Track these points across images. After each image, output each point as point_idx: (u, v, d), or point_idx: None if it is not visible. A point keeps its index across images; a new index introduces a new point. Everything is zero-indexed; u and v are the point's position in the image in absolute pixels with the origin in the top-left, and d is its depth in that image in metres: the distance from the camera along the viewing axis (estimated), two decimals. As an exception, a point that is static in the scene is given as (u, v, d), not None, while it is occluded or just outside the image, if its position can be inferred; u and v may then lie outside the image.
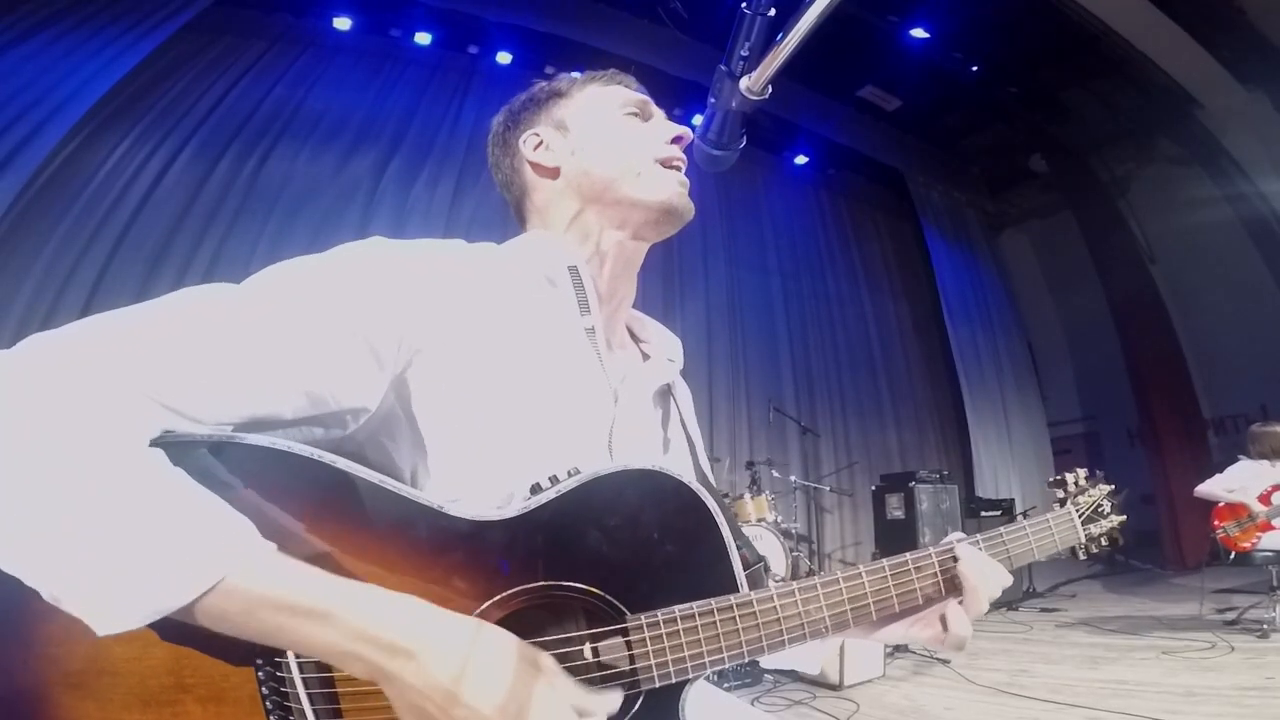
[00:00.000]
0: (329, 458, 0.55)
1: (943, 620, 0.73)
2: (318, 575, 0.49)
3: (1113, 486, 0.93)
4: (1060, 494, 0.92)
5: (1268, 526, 3.80)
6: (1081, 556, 0.90)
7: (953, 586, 0.74)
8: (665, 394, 0.89)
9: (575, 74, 0.88)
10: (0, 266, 4.00)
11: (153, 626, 0.46)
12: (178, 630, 0.48)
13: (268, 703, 0.52)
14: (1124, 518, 0.92)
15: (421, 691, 0.47)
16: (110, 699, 0.50)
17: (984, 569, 0.74)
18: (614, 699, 0.55)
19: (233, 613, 0.46)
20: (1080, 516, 0.89)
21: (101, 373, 0.49)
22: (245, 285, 0.59)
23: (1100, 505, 0.91)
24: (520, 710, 0.48)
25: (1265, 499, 3.88)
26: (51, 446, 0.45)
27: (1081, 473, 0.94)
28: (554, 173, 0.82)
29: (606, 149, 0.80)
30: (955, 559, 0.74)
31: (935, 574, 0.74)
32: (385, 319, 0.61)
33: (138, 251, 4.52)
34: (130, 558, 0.45)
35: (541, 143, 0.83)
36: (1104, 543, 0.91)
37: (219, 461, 0.52)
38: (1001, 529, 0.81)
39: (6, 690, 0.51)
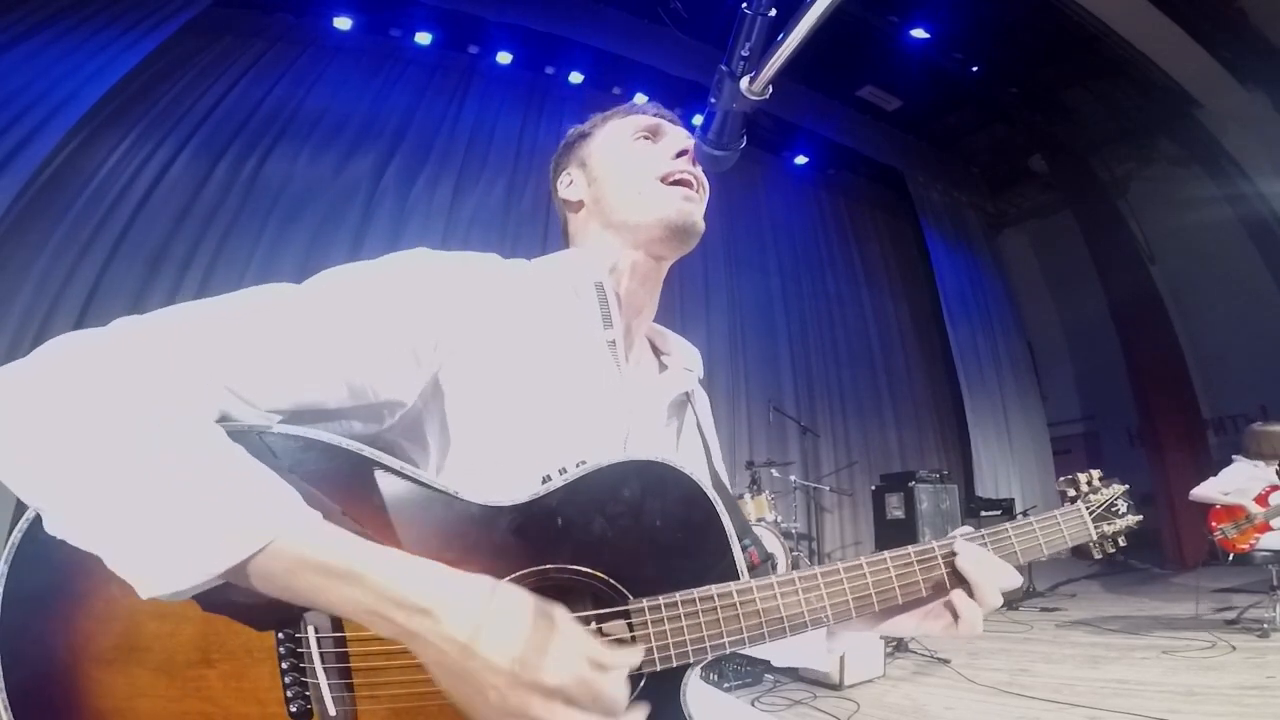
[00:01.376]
0: (354, 445, 0.60)
1: (951, 610, 0.73)
2: (353, 540, 0.52)
3: (1128, 487, 0.92)
4: (1071, 492, 0.91)
5: (1266, 527, 3.79)
6: (1096, 555, 0.89)
7: (958, 580, 0.74)
8: (683, 403, 0.92)
9: (602, 114, 0.96)
10: (0, 266, 4.00)
11: (193, 597, 0.50)
12: (211, 600, 0.51)
13: (286, 678, 0.55)
14: (1140, 517, 0.91)
15: (440, 648, 0.49)
16: (138, 674, 0.54)
17: (984, 561, 0.74)
18: (634, 654, 0.55)
19: (278, 573, 0.49)
20: (1091, 514, 0.88)
21: (174, 353, 0.55)
22: (305, 285, 0.66)
23: (1114, 504, 0.90)
24: (536, 661, 0.49)
25: (1262, 500, 3.87)
26: (123, 415, 0.50)
27: (1095, 473, 0.93)
28: (579, 205, 0.90)
29: (614, 175, 0.87)
30: (954, 554, 0.74)
31: (939, 567, 0.74)
32: (425, 322, 0.67)
33: (138, 252, 4.52)
34: (192, 516, 0.48)
35: (571, 181, 0.92)
36: (1121, 542, 0.90)
37: (258, 447, 0.56)
38: (1007, 524, 0.80)
39: (43, 665, 0.53)
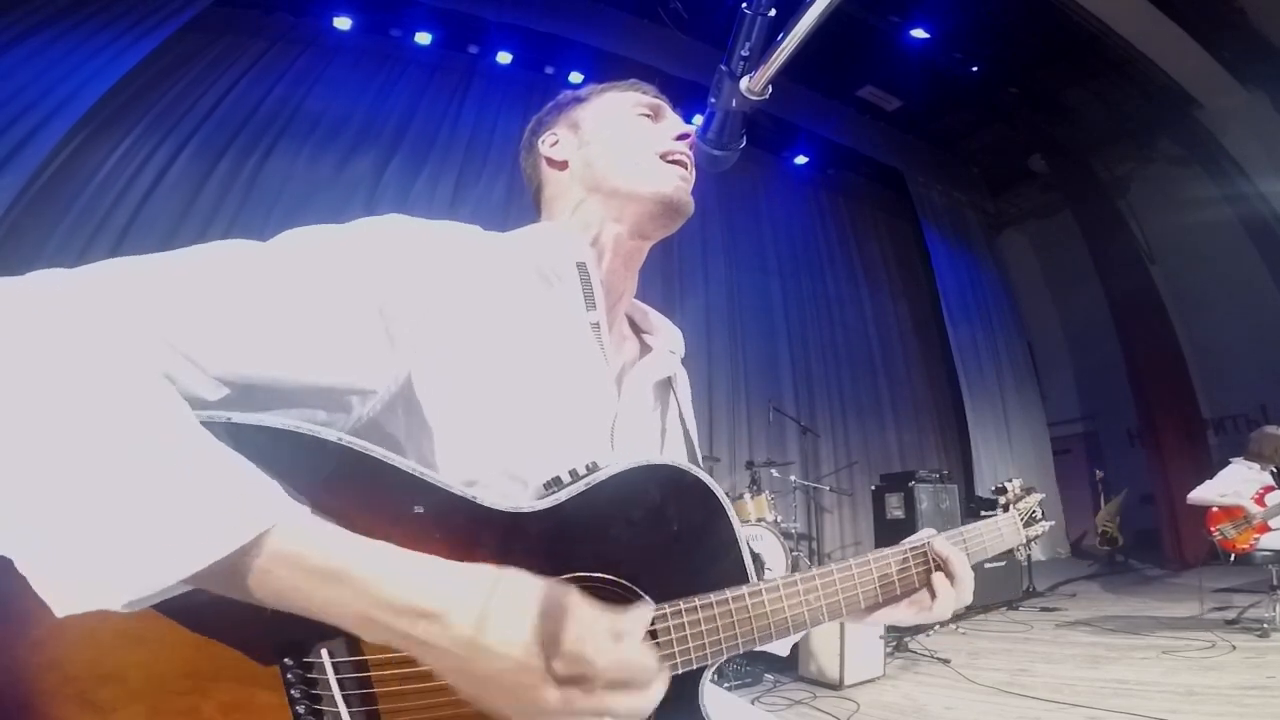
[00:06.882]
0: (360, 444, 0.53)
1: (930, 591, 0.80)
2: (340, 534, 0.46)
3: (1044, 495, 1.08)
4: (1003, 500, 1.04)
5: (1265, 528, 3.79)
6: (1019, 556, 1.02)
7: (926, 580, 0.81)
8: (666, 385, 0.91)
9: (598, 85, 0.93)
10: (0, 267, 4.00)
11: (170, 614, 0.43)
12: (194, 622, 0.45)
13: (298, 707, 0.48)
14: (1053, 522, 1.06)
15: (451, 652, 0.44)
16: (116, 709, 0.46)
17: (965, 559, 0.82)
18: (645, 611, 0.50)
19: (255, 573, 0.42)
20: (1023, 521, 1.01)
21: (112, 306, 0.47)
22: (268, 244, 0.60)
23: (1034, 511, 1.04)
24: (553, 642, 0.45)
25: (1259, 501, 3.87)
26: (52, 368, 0.41)
27: (1018, 482, 1.07)
28: (562, 165, 0.86)
29: (611, 142, 0.84)
30: (933, 552, 0.81)
31: (915, 564, 0.81)
32: (399, 297, 0.61)
33: (138, 251, 4.39)
34: (154, 499, 0.39)
35: (557, 141, 0.88)
36: (1035, 547, 1.05)
37: (238, 443, 0.48)
38: (962, 529, 0.89)
39: (7, 700, 0.46)
